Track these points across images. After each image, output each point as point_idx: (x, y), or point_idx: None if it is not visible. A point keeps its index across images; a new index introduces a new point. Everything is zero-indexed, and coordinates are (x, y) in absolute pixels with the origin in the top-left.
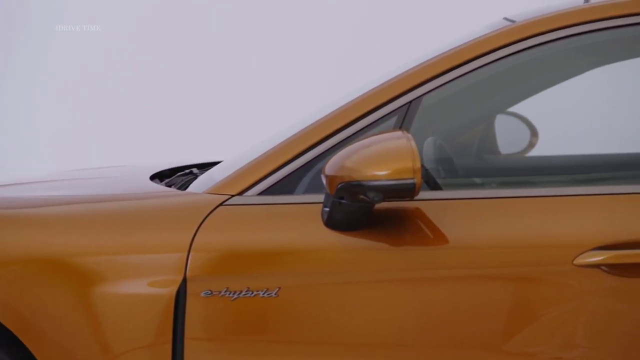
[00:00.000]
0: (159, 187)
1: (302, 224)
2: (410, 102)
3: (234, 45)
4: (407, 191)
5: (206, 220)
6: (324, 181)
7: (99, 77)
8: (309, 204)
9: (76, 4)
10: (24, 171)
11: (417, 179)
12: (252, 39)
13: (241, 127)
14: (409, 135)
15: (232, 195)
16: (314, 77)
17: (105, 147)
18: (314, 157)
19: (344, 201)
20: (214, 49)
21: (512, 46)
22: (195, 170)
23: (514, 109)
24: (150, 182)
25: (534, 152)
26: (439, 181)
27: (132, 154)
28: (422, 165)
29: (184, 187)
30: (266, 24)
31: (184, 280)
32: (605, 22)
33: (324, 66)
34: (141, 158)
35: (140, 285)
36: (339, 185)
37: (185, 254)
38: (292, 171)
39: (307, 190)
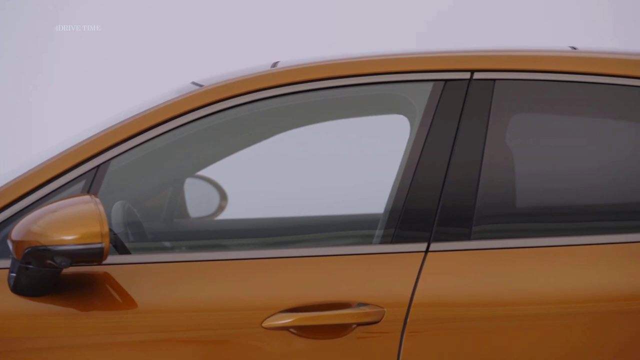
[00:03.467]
0: None
1: None
2: (99, 165)
3: (234, 45)
4: (94, 255)
5: None
6: (11, 246)
7: (98, 77)
8: None
9: (76, 4)
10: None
11: (105, 243)
12: (252, 39)
13: None
14: (97, 199)
15: None
16: None
17: None
18: None
19: (30, 266)
20: (215, 49)
21: (200, 110)
22: None
23: (204, 172)
24: None
25: (224, 215)
26: (127, 245)
27: None
28: (111, 230)
29: None
30: (268, 24)
31: None
32: (290, 87)
33: None
34: None
35: None
36: (26, 251)
37: None
38: None
39: None
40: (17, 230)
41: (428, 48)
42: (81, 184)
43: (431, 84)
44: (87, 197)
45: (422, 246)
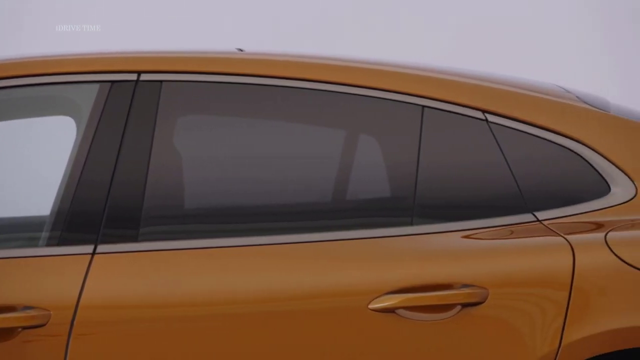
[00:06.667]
0: None
1: None
2: None
3: (234, 44)
4: None
5: None
6: None
7: None
8: None
9: (76, 4)
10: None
11: None
12: (252, 39)
13: None
14: None
15: None
16: None
17: None
18: None
19: None
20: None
21: None
22: None
23: None
24: None
25: None
26: None
27: None
28: None
29: None
30: (266, 28)
31: None
32: None
33: None
34: None
35: None
36: None
37: None
38: None
39: None
40: None
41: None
42: None
43: (97, 85)
44: None
45: (89, 248)
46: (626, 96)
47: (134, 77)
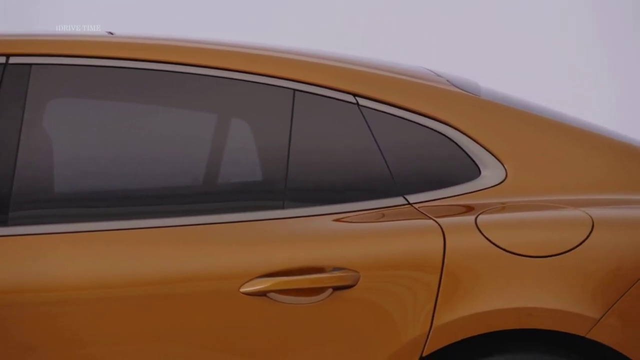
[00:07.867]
0: None
1: None
2: None
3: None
4: None
5: None
6: None
7: None
8: None
9: (76, 4)
10: None
11: None
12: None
13: None
14: None
15: None
16: None
17: None
18: None
19: None
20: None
21: None
22: None
23: None
24: None
25: None
26: None
27: None
28: None
29: None
30: (268, 26)
31: None
32: None
33: None
34: None
35: None
36: None
37: None
38: None
39: None
40: None
41: None
42: None
43: None
44: None
45: None
46: (626, 97)
47: (2, 60)
